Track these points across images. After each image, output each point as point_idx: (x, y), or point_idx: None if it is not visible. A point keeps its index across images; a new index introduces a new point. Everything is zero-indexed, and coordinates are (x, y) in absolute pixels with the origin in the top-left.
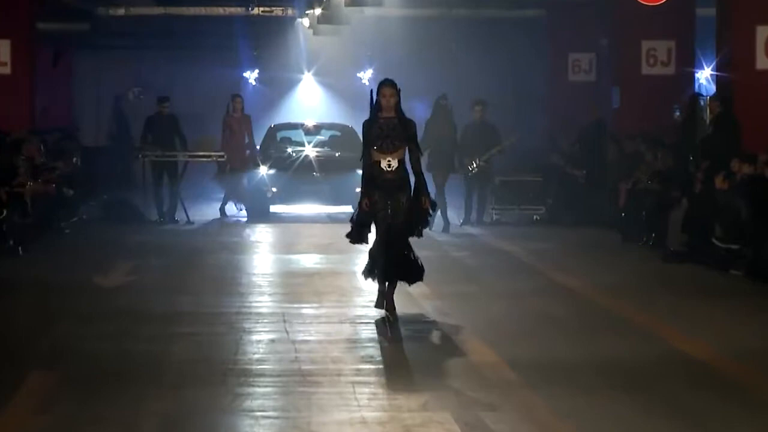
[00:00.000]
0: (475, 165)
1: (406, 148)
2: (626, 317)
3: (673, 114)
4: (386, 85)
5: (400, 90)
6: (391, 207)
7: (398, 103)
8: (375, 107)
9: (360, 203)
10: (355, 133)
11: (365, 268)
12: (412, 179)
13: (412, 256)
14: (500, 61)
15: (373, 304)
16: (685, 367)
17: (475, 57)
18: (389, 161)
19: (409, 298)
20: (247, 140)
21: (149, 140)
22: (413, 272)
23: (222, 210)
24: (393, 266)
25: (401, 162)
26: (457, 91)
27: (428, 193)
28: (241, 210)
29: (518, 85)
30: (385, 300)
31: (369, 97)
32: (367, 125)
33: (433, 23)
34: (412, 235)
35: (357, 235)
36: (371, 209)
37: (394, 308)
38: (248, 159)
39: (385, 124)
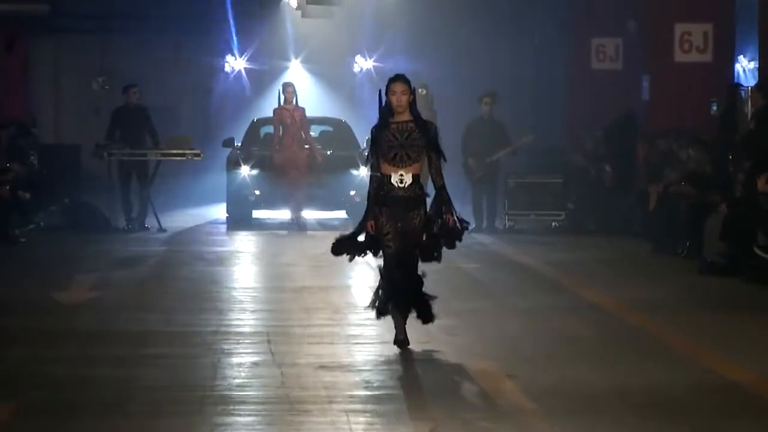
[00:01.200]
0: (480, 171)
1: (425, 158)
2: (658, 338)
3: (710, 108)
4: (396, 81)
5: (415, 89)
6: (401, 229)
7: (413, 102)
8: (384, 110)
9: (363, 224)
10: (349, 128)
11: (375, 304)
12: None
13: (422, 285)
14: (516, 48)
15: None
16: (725, 394)
17: (487, 43)
18: (401, 176)
19: (411, 315)
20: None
21: (117, 137)
22: (421, 305)
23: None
24: (403, 290)
25: (416, 177)
26: (466, 82)
27: (454, 210)
28: (295, 221)
29: (536, 75)
30: (397, 332)
31: (378, 98)
32: (375, 132)
33: (439, 4)
34: (428, 260)
35: (346, 246)
36: (376, 232)
37: (407, 340)
38: (306, 160)
39: (398, 129)
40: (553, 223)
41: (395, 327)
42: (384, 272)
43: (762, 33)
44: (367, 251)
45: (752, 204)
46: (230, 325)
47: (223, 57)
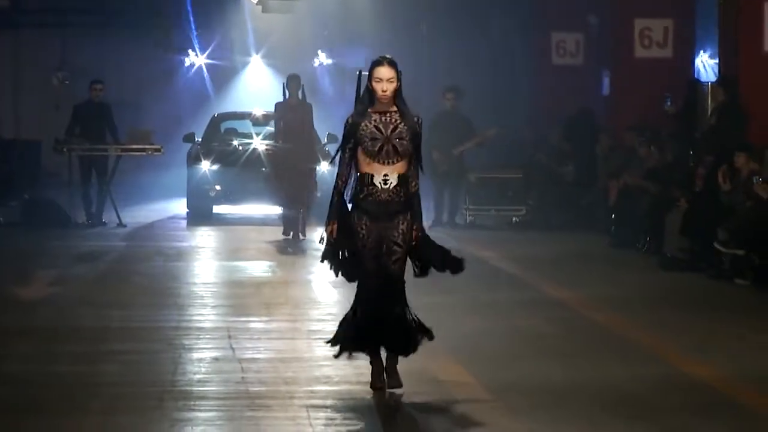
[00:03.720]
0: (444, 164)
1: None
2: (623, 335)
3: (665, 104)
4: (382, 64)
5: (401, 73)
6: (385, 241)
7: (399, 90)
8: (364, 97)
9: (326, 230)
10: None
11: (336, 334)
12: None
13: (409, 315)
14: (478, 44)
15: (333, 346)
16: (690, 391)
17: (450, 38)
18: (386, 176)
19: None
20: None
21: (77, 132)
22: (408, 339)
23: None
24: (385, 327)
25: (403, 178)
26: (429, 77)
27: (421, 222)
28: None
29: (497, 70)
30: (385, 377)
31: (356, 81)
32: (352, 123)
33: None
34: (421, 273)
35: (335, 265)
36: (349, 242)
37: (401, 384)
38: (309, 158)
39: (382, 122)
40: (514, 219)
41: (372, 367)
42: (361, 295)
43: (722, 29)
44: (341, 270)
45: (712, 199)
46: (190, 321)
47: (184, 52)
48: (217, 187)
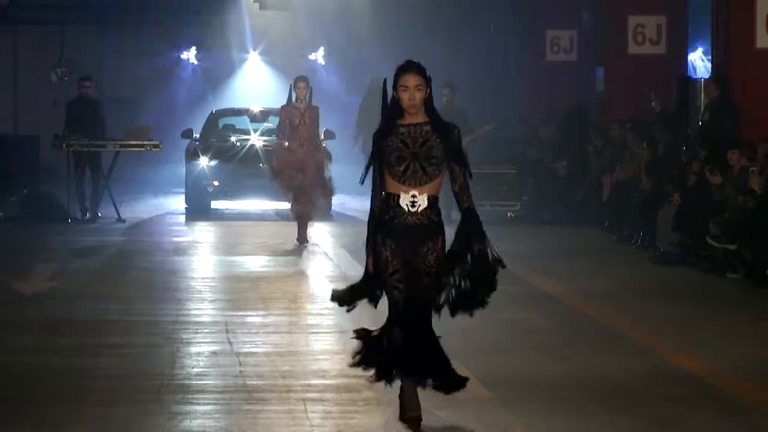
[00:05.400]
0: None
1: (445, 172)
2: (614, 328)
3: (650, 102)
4: (408, 72)
5: (430, 79)
6: (412, 265)
7: (429, 99)
8: (391, 109)
9: (367, 263)
10: None
11: (357, 351)
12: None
13: (437, 344)
14: (472, 40)
15: (353, 361)
16: (682, 384)
17: (444, 35)
18: (414, 197)
19: (365, 302)
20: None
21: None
22: (441, 369)
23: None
24: (407, 350)
25: (433, 200)
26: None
27: (486, 240)
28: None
29: (492, 67)
30: (406, 407)
31: (382, 93)
32: (379, 138)
33: None
34: (438, 309)
35: (347, 294)
36: (376, 269)
37: (420, 416)
38: (315, 168)
39: (410, 135)
40: (509, 214)
41: (402, 399)
42: (388, 325)
43: (715, 25)
44: (367, 297)
45: (705, 194)
46: (188, 315)
47: (183, 49)
48: (215, 183)
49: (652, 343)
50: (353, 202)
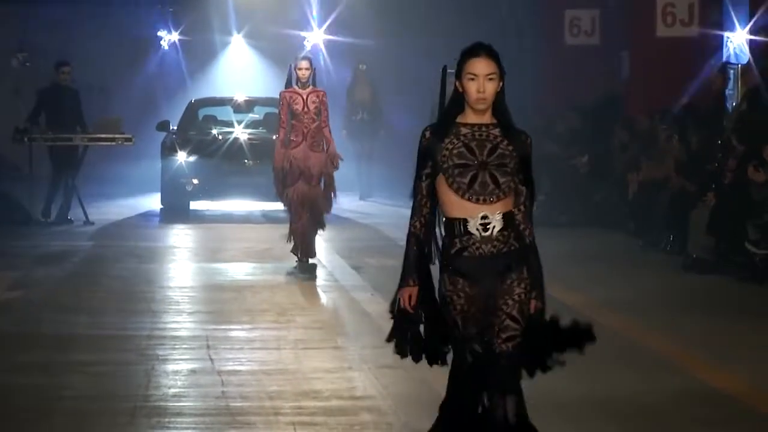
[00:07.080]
0: None
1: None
2: (639, 342)
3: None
4: (479, 54)
5: (504, 69)
6: (492, 313)
7: (502, 94)
8: (451, 104)
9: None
10: None
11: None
12: None
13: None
14: (482, 24)
15: None
16: (712, 404)
17: (451, 17)
18: (485, 219)
19: (363, 314)
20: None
21: (41, 120)
22: None
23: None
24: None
25: (510, 218)
26: (428, 60)
27: (542, 290)
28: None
29: (505, 52)
30: None
31: (441, 81)
32: (430, 138)
33: None
34: (533, 369)
35: (401, 339)
36: (433, 315)
37: None
38: (320, 166)
39: (474, 137)
40: None
41: None
42: (453, 389)
43: (752, 3)
44: (428, 353)
45: (743, 194)
46: (165, 329)
47: (158, 31)
48: (195, 181)
49: (682, 360)
50: (348, 202)
